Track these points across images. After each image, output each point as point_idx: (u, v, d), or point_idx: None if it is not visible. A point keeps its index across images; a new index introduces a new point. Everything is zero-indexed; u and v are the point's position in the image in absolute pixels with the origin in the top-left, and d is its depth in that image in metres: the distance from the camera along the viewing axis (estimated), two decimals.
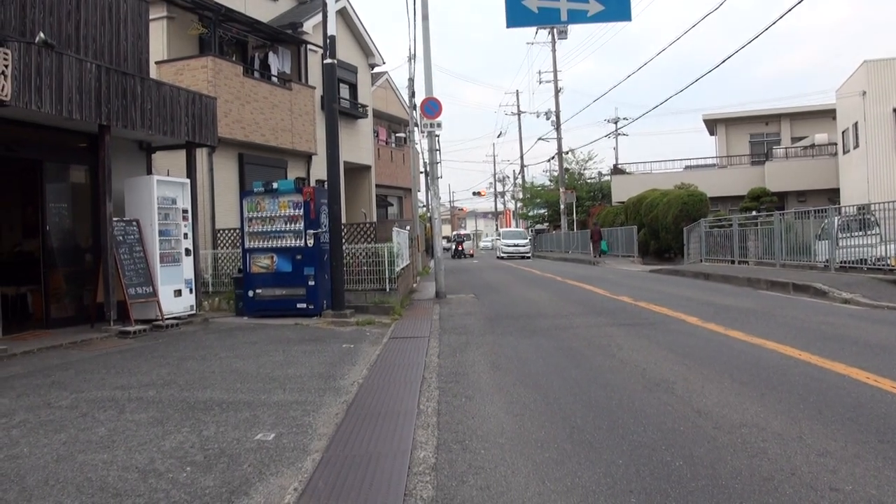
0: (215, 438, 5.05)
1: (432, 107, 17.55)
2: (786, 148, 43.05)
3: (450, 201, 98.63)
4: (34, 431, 5.38)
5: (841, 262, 16.73)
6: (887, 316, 10.63)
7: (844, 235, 17.45)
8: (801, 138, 43.75)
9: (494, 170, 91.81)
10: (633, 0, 16.43)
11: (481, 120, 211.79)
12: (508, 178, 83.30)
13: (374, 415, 5.72)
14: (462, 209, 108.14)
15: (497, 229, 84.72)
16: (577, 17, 16.46)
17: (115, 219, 11.65)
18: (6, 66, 9.04)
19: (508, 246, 48.11)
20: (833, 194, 35.75)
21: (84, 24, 11.87)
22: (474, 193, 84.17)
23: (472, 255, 55.36)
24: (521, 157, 65.77)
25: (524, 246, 48.43)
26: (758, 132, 46.62)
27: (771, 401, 5.59)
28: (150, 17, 14.24)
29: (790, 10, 39.23)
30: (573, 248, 45.29)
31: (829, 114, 39.16)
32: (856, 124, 32.15)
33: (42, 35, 9.98)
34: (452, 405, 5.91)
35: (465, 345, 9.27)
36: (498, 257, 48.49)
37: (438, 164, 19.08)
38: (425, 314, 13.24)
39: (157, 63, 17.42)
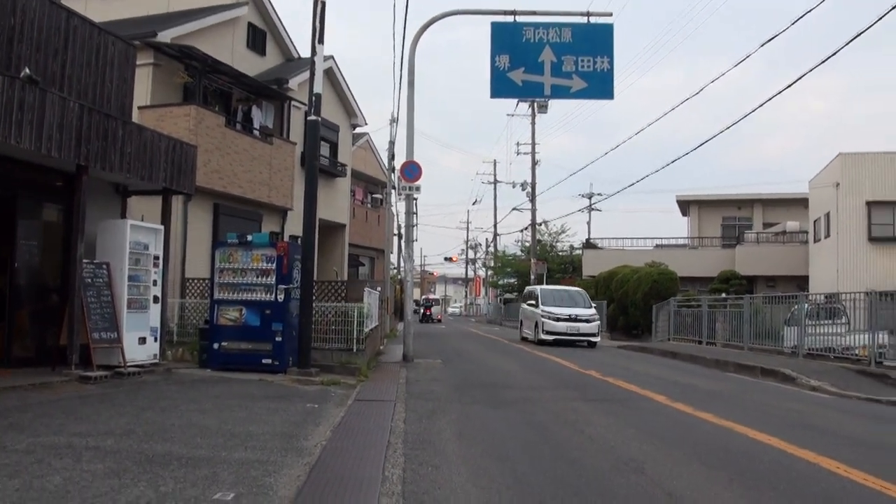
0: (173, 495, 4.88)
1: (412, 170, 17.63)
2: (757, 233, 43.60)
3: (421, 265, 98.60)
4: None
5: (808, 349, 16.81)
6: (855, 406, 10.66)
7: (812, 322, 17.58)
8: (772, 224, 44.34)
9: (468, 237, 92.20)
10: (616, 79, 16.75)
11: (457, 186, 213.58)
12: (481, 245, 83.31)
13: (337, 479, 5.58)
14: (433, 273, 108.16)
15: (482, 293, 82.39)
16: (560, 92, 16.78)
17: (85, 260, 11.47)
18: None
19: (559, 319, 23.69)
20: (802, 281, 36.13)
21: (70, 63, 11.86)
22: (446, 259, 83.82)
23: (439, 321, 55.20)
24: (495, 226, 65.73)
25: (589, 321, 24.09)
26: (730, 215, 47.21)
27: (741, 487, 5.53)
28: (137, 62, 14.26)
29: (764, 105, 40.17)
30: None
31: (801, 202, 39.74)
32: (828, 214, 32.65)
33: (27, 70, 9.93)
34: (418, 473, 5.79)
35: (432, 412, 9.13)
36: (526, 337, 25.98)
37: (414, 227, 19.07)
38: (392, 377, 13.07)
39: (139, 108, 17.38)
